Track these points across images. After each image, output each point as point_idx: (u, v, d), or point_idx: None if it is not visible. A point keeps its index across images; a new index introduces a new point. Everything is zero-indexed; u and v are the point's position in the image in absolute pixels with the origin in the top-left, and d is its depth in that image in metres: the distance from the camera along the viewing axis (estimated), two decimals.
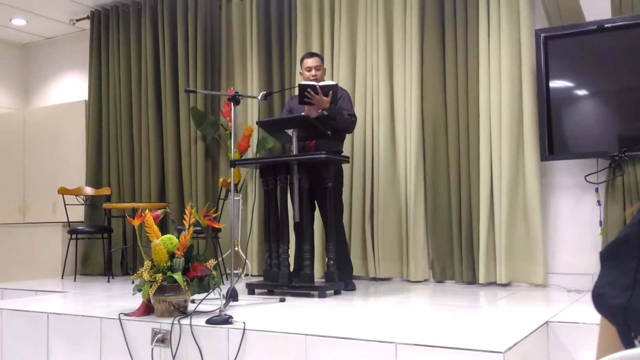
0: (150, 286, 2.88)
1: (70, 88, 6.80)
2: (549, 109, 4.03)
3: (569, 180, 4.19)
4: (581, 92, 4.07)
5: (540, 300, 3.57)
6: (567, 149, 4.03)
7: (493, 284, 4.25)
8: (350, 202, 4.75)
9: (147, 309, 3.01)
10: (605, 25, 3.86)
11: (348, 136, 4.60)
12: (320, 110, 3.96)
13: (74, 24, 6.45)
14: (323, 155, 3.69)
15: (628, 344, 0.63)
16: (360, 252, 4.71)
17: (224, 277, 4.81)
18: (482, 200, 4.26)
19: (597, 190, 3.98)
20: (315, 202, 4.15)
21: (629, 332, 0.64)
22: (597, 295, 0.69)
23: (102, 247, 5.63)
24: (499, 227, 4.20)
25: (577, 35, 3.97)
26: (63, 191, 5.47)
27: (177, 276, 2.88)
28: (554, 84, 4.05)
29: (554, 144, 4.02)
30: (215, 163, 5.62)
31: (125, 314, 2.97)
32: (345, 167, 4.55)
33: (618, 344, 0.63)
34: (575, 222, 4.15)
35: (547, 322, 2.65)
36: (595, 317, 0.70)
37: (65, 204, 5.42)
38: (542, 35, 4.07)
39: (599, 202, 3.95)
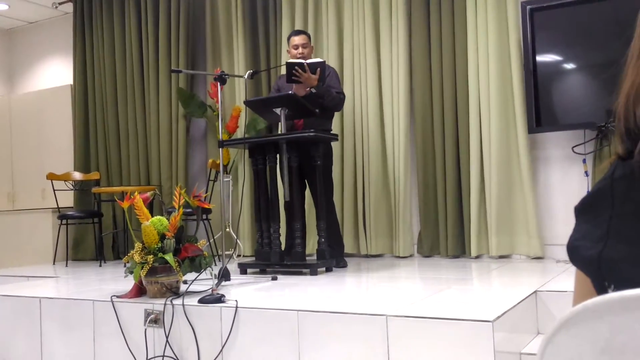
0: (142, 268, 2.89)
1: (55, 73, 6.73)
2: (536, 81, 4.03)
3: (557, 152, 4.21)
4: (568, 64, 4.07)
5: (530, 270, 3.61)
6: (555, 121, 4.04)
7: (485, 257, 4.29)
8: (342, 181, 4.76)
9: (139, 291, 3.02)
10: None
11: (337, 115, 4.59)
12: (308, 88, 3.95)
13: (56, 7, 6.36)
14: (311, 133, 3.68)
15: (602, 292, 0.65)
16: (352, 230, 4.73)
17: (216, 258, 4.82)
18: (473, 174, 4.28)
19: (584, 161, 4.00)
20: (305, 180, 4.16)
21: (603, 281, 0.65)
22: (572, 248, 0.70)
23: (92, 231, 5.62)
24: (489, 200, 4.23)
25: (562, 6, 3.97)
26: (51, 177, 5.44)
27: (168, 257, 2.88)
28: (541, 56, 4.05)
29: (541, 116, 4.03)
30: (203, 144, 5.61)
31: (118, 296, 2.98)
32: (336, 145, 4.56)
33: (593, 295, 0.65)
34: (563, 193, 4.18)
35: (535, 292, 2.68)
36: None
37: (54, 190, 5.40)
38: (528, 7, 4.06)
39: (586, 172, 3.98)
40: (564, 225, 4.15)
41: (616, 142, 0.70)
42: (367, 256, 4.71)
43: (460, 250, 4.40)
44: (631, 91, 0.68)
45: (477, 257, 4.29)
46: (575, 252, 0.70)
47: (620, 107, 0.69)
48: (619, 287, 0.62)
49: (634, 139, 0.66)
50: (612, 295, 0.54)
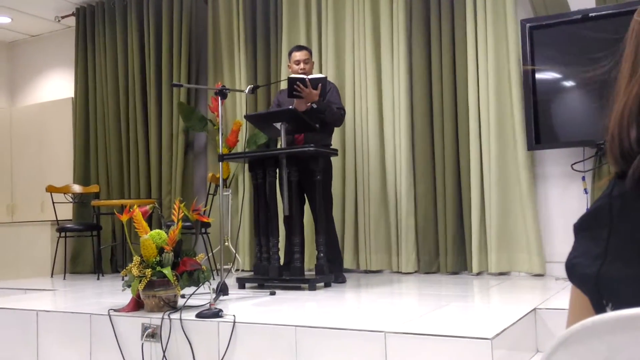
0: (140, 281, 2.88)
1: (57, 85, 6.75)
2: (535, 99, 4.05)
3: (556, 169, 4.22)
4: (567, 81, 4.09)
5: (529, 288, 3.60)
6: (554, 138, 4.05)
7: (485, 273, 4.28)
8: (343, 196, 4.76)
9: (136, 305, 3.00)
10: (590, 15, 3.88)
11: (338, 130, 4.61)
12: (309, 104, 3.96)
13: (59, 21, 6.40)
14: (312, 148, 3.69)
15: (600, 310, 0.65)
16: (352, 245, 4.72)
17: (215, 272, 4.80)
18: (473, 190, 4.28)
19: (583, 178, 4.01)
20: (305, 195, 4.16)
21: (601, 300, 0.65)
22: (570, 266, 0.70)
23: (91, 244, 5.61)
24: (489, 217, 4.22)
25: (562, 25, 3.99)
26: (51, 189, 5.44)
27: (167, 271, 2.87)
28: (540, 73, 4.07)
29: (540, 133, 4.04)
30: (203, 158, 5.62)
31: (115, 310, 2.97)
32: (336, 161, 4.56)
33: (589, 313, 0.65)
34: (563, 210, 4.18)
35: (534, 309, 2.67)
36: None
37: (53, 202, 5.39)
38: (528, 25, 4.08)
39: (585, 190, 3.98)
40: (563, 242, 4.14)
41: (609, 163, 0.70)
42: (367, 272, 4.70)
43: (460, 266, 4.38)
44: (625, 113, 0.68)
45: (477, 273, 4.27)
46: (574, 270, 0.70)
47: (613, 129, 0.69)
48: (617, 306, 0.61)
49: (628, 160, 0.66)
50: (611, 314, 0.54)
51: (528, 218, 4.13)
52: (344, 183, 4.77)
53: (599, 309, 0.65)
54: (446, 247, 4.40)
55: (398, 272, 4.56)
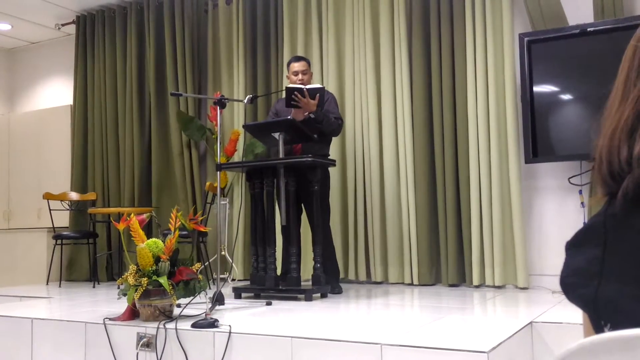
0: (135, 290, 2.87)
1: (56, 93, 6.76)
2: (533, 112, 4.06)
3: (553, 182, 4.23)
4: (565, 95, 4.11)
5: (525, 301, 3.60)
6: (551, 152, 4.06)
7: (483, 286, 4.27)
8: (344, 207, 4.75)
9: (132, 314, 2.99)
10: (588, 29, 3.90)
11: (338, 140, 4.61)
12: (306, 113, 3.97)
13: (59, 28, 6.41)
14: (309, 158, 3.69)
15: (599, 331, 0.65)
16: (353, 257, 4.71)
17: (211, 282, 4.79)
18: (472, 203, 4.28)
19: (580, 192, 4.01)
20: (302, 205, 4.16)
21: (599, 320, 0.65)
22: (565, 285, 0.70)
23: (87, 252, 5.59)
24: (489, 230, 4.22)
25: (560, 39, 4.02)
26: (48, 196, 5.43)
27: (163, 280, 2.87)
28: (538, 87, 4.09)
29: (538, 146, 4.05)
30: (202, 167, 5.61)
31: (110, 319, 2.95)
32: (336, 171, 4.56)
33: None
34: (559, 223, 4.18)
35: (531, 323, 2.66)
36: (579, 317, 0.72)
37: (50, 209, 5.38)
38: (526, 39, 4.11)
39: (582, 203, 3.99)
40: (559, 256, 4.10)
41: (596, 185, 0.70)
42: (367, 283, 4.69)
43: (460, 279, 4.37)
44: (615, 135, 0.68)
45: (476, 286, 4.26)
46: (570, 289, 0.70)
47: (603, 150, 0.69)
48: (615, 326, 0.61)
49: (618, 182, 0.66)
50: (608, 334, 0.54)
51: (526, 231, 4.13)
52: (345, 193, 4.77)
53: (598, 328, 0.65)
54: (447, 259, 4.39)
55: (398, 284, 4.54)
